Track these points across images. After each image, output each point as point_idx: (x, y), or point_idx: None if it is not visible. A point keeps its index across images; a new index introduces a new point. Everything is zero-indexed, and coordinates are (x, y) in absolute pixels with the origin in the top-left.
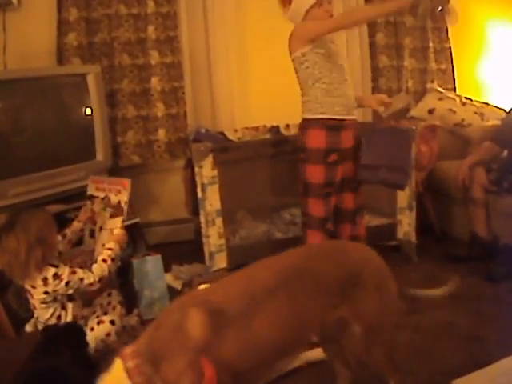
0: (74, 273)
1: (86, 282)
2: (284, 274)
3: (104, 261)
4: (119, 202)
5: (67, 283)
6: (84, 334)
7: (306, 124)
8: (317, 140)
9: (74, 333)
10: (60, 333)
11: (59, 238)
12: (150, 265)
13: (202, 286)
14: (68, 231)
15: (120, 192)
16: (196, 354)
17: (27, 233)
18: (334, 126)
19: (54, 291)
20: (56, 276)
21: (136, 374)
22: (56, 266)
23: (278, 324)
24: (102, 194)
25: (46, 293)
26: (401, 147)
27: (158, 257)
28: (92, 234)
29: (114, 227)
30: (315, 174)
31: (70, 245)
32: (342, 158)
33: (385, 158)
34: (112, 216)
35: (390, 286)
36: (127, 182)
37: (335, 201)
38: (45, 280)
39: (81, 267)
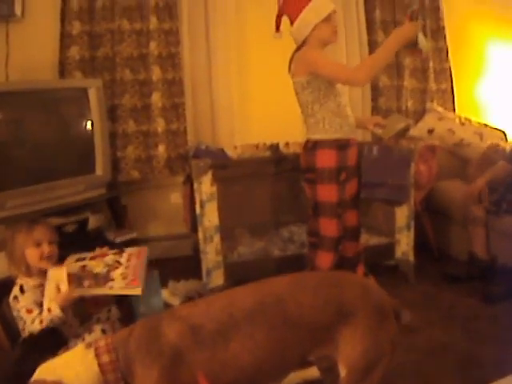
0: (27, 311)
1: (26, 328)
2: (264, 300)
3: (41, 322)
4: (112, 280)
5: (18, 310)
6: (61, 336)
7: (315, 145)
8: (328, 159)
9: (50, 337)
10: (37, 340)
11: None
12: (147, 280)
13: None
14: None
15: (124, 278)
16: (171, 362)
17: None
18: (342, 145)
19: (11, 307)
20: (15, 299)
21: (110, 370)
22: (22, 292)
23: (252, 349)
24: (122, 260)
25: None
26: (400, 166)
27: (155, 272)
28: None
29: (60, 281)
30: (328, 193)
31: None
32: (349, 176)
33: (384, 176)
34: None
35: (387, 328)
36: (133, 285)
37: None
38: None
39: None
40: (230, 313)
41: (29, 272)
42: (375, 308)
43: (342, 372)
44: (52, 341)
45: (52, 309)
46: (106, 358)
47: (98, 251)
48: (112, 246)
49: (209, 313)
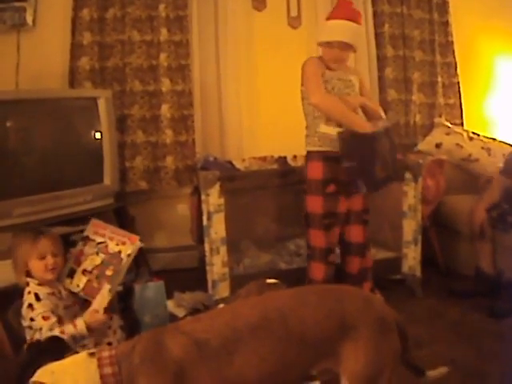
0: (43, 318)
1: (43, 334)
2: (268, 315)
3: (62, 332)
4: (119, 252)
5: (32, 319)
6: (65, 345)
7: (307, 156)
8: (315, 171)
9: (56, 345)
10: (42, 347)
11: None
12: (152, 291)
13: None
14: None
15: (124, 244)
16: (175, 377)
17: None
18: (331, 158)
19: (22, 317)
20: (30, 307)
21: (111, 383)
22: (39, 300)
23: (256, 364)
24: (99, 239)
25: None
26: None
27: (161, 283)
28: (71, 274)
29: (99, 306)
30: (314, 204)
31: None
32: (343, 190)
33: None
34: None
35: (389, 341)
36: (136, 238)
37: (341, 233)
38: (23, 303)
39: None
40: (234, 328)
41: (37, 280)
42: (377, 321)
43: None
44: (58, 347)
45: (78, 325)
46: (108, 370)
47: (71, 257)
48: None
49: (213, 328)
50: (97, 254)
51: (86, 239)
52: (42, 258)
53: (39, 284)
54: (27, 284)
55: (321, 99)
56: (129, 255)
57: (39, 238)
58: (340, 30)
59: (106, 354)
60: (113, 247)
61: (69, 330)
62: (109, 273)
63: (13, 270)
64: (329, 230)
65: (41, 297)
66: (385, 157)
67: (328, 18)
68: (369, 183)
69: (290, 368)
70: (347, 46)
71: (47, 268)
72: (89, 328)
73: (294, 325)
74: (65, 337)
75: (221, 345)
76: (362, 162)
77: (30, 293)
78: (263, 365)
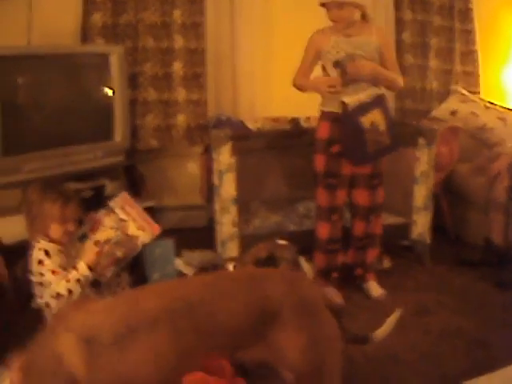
0: (52, 272)
1: (51, 288)
2: (172, 306)
3: (67, 280)
4: (136, 238)
5: (41, 274)
6: None
7: (319, 116)
8: (321, 130)
9: None
10: None
11: None
12: (162, 249)
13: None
14: None
15: (144, 230)
16: None
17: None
18: (336, 119)
19: (31, 273)
20: (41, 263)
21: None
22: (48, 255)
23: (155, 360)
24: (122, 215)
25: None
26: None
27: (170, 241)
28: (82, 237)
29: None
30: (318, 163)
31: None
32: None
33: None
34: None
35: (322, 320)
36: (157, 228)
37: (347, 195)
38: (32, 260)
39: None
40: (128, 323)
41: (50, 238)
42: (302, 303)
43: (289, 377)
44: None
45: (79, 268)
46: None
47: (88, 221)
48: None
49: (105, 323)
50: (115, 229)
51: (110, 210)
52: (65, 222)
53: (49, 241)
54: (37, 241)
55: (295, 82)
56: (144, 244)
57: (69, 203)
58: None
59: None
60: (132, 230)
61: (73, 276)
62: (119, 254)
63: (27, 226)
64: (332, 189)
65: (50, 253)
66: (375, 130)
67: None
68: (356, 159)
69: (198, 361)
70: (342, 5)
71: (66, 232)
72: (90, 267)
73: (202, 316)
74: (69, 284)
75: (113, 341)
76: (346, 141)
77: (40, 249)
78: (161, 360)
